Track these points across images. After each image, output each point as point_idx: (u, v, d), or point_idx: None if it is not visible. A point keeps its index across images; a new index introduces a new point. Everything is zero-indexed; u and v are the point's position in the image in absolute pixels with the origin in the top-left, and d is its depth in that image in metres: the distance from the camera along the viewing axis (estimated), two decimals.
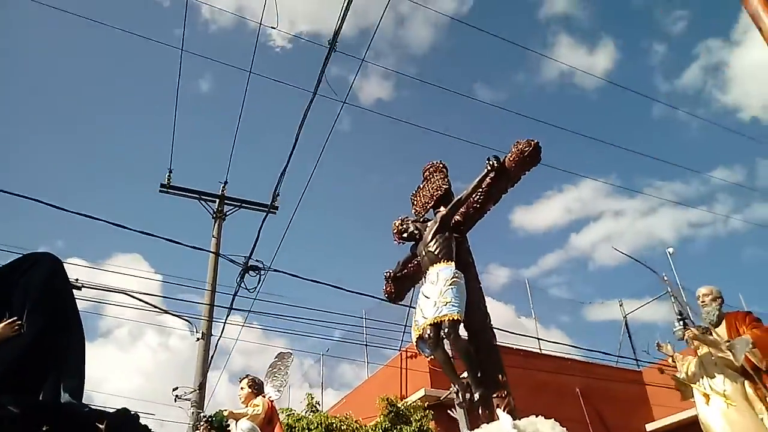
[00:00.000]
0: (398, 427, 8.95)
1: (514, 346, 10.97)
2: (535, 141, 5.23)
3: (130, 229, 7.90)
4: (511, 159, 5.28)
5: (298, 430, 8.75)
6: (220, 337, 10.51)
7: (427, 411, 9.06)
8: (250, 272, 10.06)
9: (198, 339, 10.25)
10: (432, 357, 5.38)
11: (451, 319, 4.93)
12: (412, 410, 9.30)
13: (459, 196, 5.57)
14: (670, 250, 14.18)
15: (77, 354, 2.83)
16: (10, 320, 2.71)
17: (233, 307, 9.99)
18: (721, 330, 5.96)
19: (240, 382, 5.37)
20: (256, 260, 10.11)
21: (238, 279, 10.13)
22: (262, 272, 10.09)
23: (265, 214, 10.21)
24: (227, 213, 12.23)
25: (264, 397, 5.06)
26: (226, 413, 5.06)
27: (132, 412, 2.63)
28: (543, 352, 12.65)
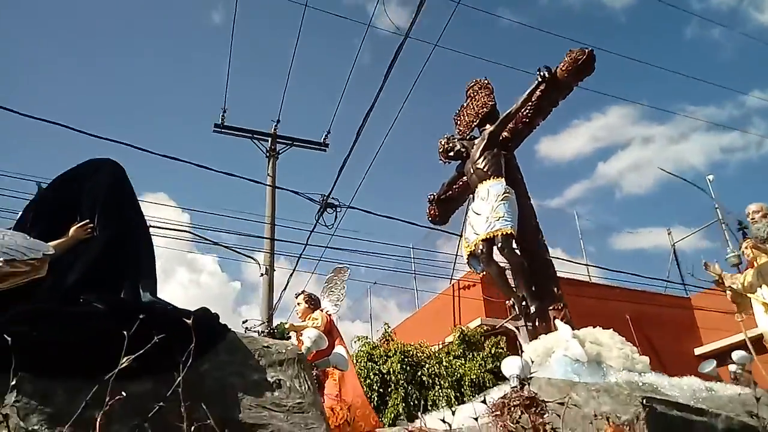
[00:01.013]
0: (471, 353, 9.08)
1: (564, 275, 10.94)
2: (590, 49, 4.99)
3: (190, 163, 7.85)
4: (563, 68, 5.06)
5: (377, 356, 8.91)
6: (292, 273, 10.79)
7: (499, 337, 9.10)
8: (328, 210, 10.26)
9: (262, 274, 10.46)
10: (484, 272, 5.34)
11: (504, 233, 4.85)
12: (481, 337, 9.39)
13: (508, 111, 5.39)
14: (710, 177, 13.75)
15: (148, 256, 2.81)
16: (82, 223, 2.69)
17: (308, 243, 10.14)
18: None
19: (296, 297, 5.41)
20: (334, 198, 10.29)
21: (317, 216, 10.32)
22: (339, 209, 10.28)
23: (346, 155, 9.93)
24: (280, 151, 12.24)
25: (321, 311, 5.10)
26: (287, 326, 5.14)
27: (212, 311, 2.62)
28: (592, 280, 12.64)
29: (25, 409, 1.94)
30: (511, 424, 3.09)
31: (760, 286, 5.60)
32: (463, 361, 8.91)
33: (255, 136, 12.31)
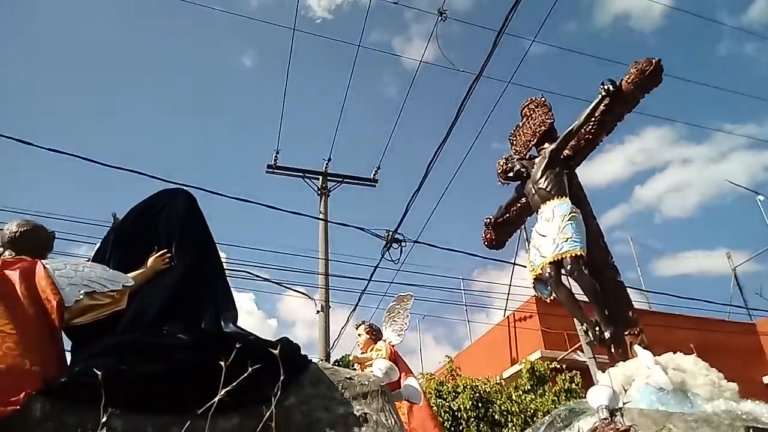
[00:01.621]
0: (543, 387, 8.78)
1: None
2: (657, 59, 4.80)
3: (251, 202, 8.06)
4: (629, 81, 4.87)
5: (444, 393, 8.67)
6: (354, 309, 10.84)
7: (574, 372, 8.81)
8: (394, 245, 10.41)
9: (318, 311, 10.48)
10: (551, 298, 5.12)
11: (573, 255, 4.64)
12: (551, 372, 9.07)
13: (570, 128, 5.21)
14: (761, 197, 13.23)
15: (224, 286, 2.74)
16: (159, 253, 2.64)
17: (371, 279, 10.29)
18: None
19: (357, 329, 5.27)
20: (399, 233, 10.44)
21: (383, 251, 10.50)
22: (403, 244, 10.43)
23: (414, 191, 10.00)
24: (331, 189, 12.55)
25: (384, 341, 4.95)
26: (351, 358, 5.01)
27: (294, 342, 2.52)
28: (651, 308, 12.18)
29: None
30: None
31: None
32: (533, 396, 8.59)
33: (306, 175, 12.67)
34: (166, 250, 2.63)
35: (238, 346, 2.22)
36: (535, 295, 10.81)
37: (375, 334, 5.12)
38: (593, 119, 5.13)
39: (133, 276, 2.51)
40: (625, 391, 4.10)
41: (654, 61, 4.81)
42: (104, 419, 1.74)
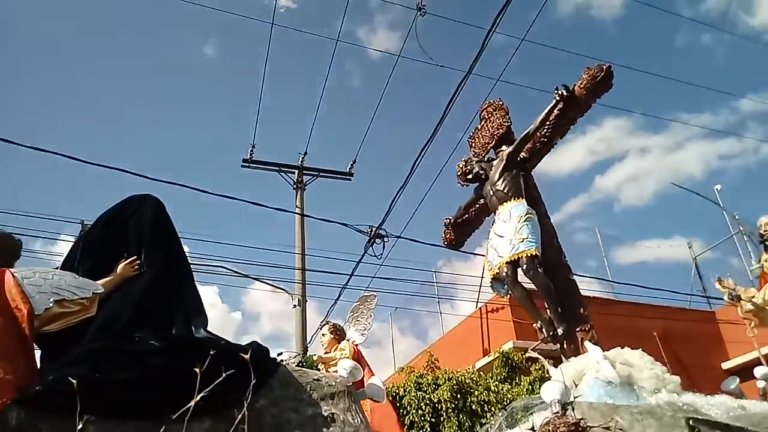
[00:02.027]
0: (517, 378, 9.03)
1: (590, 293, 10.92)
2: (608, 65, 5.03)
3: (230, 198, 8.03)
4: (581, 86, 5.09)
5: (424, 386, 8.83)
6: (334, 303, 10.86)
7: (548, 360, 9.06)
8: (377, 240, 10.63)
9: (294, 306, 10.52)
10: (508, 296, 5.32)
11: (529, 255, 4.85)
12: (526, 361, 9.30)
13: (525, 132, 5.41)
14: (718, 187, 13.85)
15: (193, 291, 2.79)
16: (129, 260, 2.68)
17: (353, 273, 10.44)
18: None
19: (321, 329, 5.35)
20: (382, 229, 10.61)
21: (367, 246, 10.70)
22: (386, 239, 10.68)
23: (399, 188, 9.93)
24: (306, 183, 12.59)
25: (348, 341, 5.05)
26: (315, 358, 5.09)
27: (263, 345, 2.60)
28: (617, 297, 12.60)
29: None
30: None
31: None
32: (509, 386, 8.83)
33: (282, 168, 12.68)
34: (135, 257, 2.67)
35: (211, 351, 2.30)
36: None
37: (339, 334, 5.22)
38: (548, 123, 5.34)
39: (103, 283, 2.54)
40: (576, 385, 4.32)
41: (605, 67, 5.04)
42: (80, 426, 1.80)
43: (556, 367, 4.74)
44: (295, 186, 12.48)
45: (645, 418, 3.22)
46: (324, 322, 5.41)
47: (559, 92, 5.16)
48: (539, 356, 4.97)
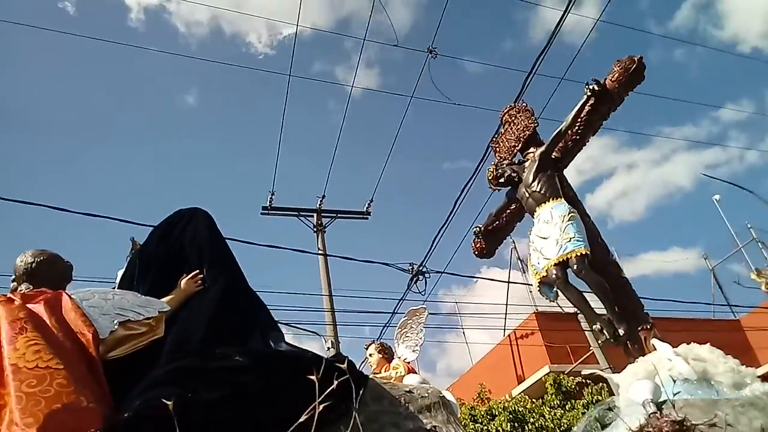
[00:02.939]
0: (570, 402, 8.80)
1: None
2: (639, 56, 4.90)
3: (255, 244, 7.92)
4: (613, 79, 4.95)
5: (479, 417, 8.57)
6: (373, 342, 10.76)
7: (600, 385, 8.87)
8: (419, 277, 10.67)
9: (328, 348, 10.32)
10: (556, 300, 5.08)
11: (579, 254, 4.63)
12: (576, 386, 9.10)
13: (558, 130, 5.25)
14: (717, 197, 13.78)
15: (261, 303, 2.55)
16: (192, 275, 2.44)
17: (395, 311, 10.51)
18: None
19: (367, 349, 5.05)
20: (423, 266, 10.72)
21: (410, 283, 10.77)
22: (428, 276, 10.70)
23: (442, 226, 9.95)
24: (325, 226, 12.62)
25: (400, 358, 4.76)
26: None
27: (348, 357, 2.35)
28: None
29: None
30: None
31: None
32: (564, 411, 8.59)
33: (301, 213, 12.77)
34: (198, 271, 2.43)
35: (304, 364, 2.06)
36: (535, 312, 10.94)
37: (387, 353, 4.93)
38: (579, 120, 5.19)
39: (167, 301, 2.30)
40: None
41: (636, 58, 4.91)
42: None
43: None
44: (315, 229, 12.56)
45: (748, 410, 2.98)
46: (370, 342, 5.12)
47: (590, 87, 5.01)
48: (600, 372, 4.71)
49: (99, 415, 1.64)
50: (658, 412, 3.02)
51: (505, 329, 11.81)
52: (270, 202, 12.57)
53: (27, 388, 1.66)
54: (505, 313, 11.36)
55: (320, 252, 11.64)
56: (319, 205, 12.79)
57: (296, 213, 12.77)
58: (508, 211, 5.94)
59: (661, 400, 3.16)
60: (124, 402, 1.78)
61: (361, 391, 2.23)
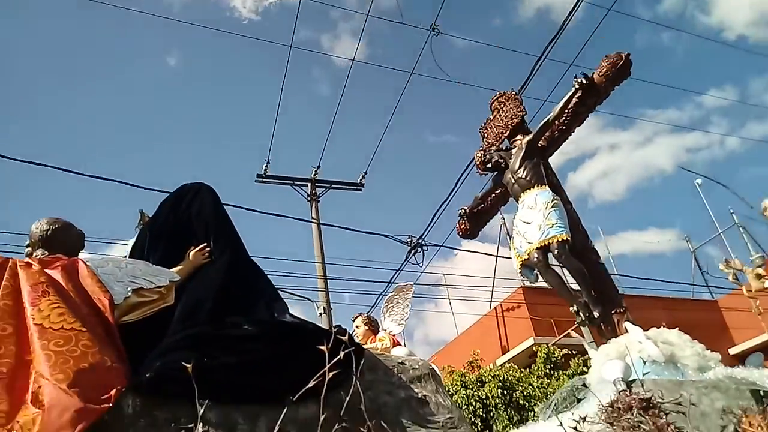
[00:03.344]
0: (556, 372, 9.21)
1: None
2: (627, 53, 5.07)
3: (244, 208, 8.02)
4: (601, 74, 5.11)
5: (469, 383, 8.98)
6: (370, 310, 11.15)
7: (586, 356, 9.25)
8: (418, 249, 11.31)
9: (320, 314, 10.53)
10: (536, 282, 5.30)
11: (560, 240, 4.83)
12: (563, 357, 9.50)
13: (545, 119, 5.42)
14: (699, 181, 14.12)
15: (264, 277, 2.69)
16: (200, 247, 2.56)
17: (392, 281, 10.92)
18: None
19: (353, 321, 5.23)
20: (421, 239, 11.26)
21: (408, 255, 11.37)
22: (425, 248, 11.37)
23: (443, 201, 10.43)
24: (319, 195, 12.76)
25: (385, 331, 4.94)
26: None
27: (346, 329, 2.51)
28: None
29: None
30: (630, 428, 3.03)
31: None
32: (550, 380, 8.97)
33: (295, 182, 12.88)
34: (205, 244, 2.56)
35: (308, 335, 2.21)
36: (522, 286, 11.31)
37: (373, 326, 5.11)
38: (567, 111, 5.35)
39: (177, 271, 2.42)
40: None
41: (624, 55, 5.07)
42: (201, 412, 1.69)
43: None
44: (309, 198, 12.67)
45: (711, 392, 3.21)
46: (357, 315, 5.29)
47: (579, 80, 5.17)
48: (583, 341, 4.95)
49: (122, 374, 1.78)
50: (628, 390, 3.24)
51: (491, 301, 12.23)
52: (265, 170, 12.64)
53: (55, 347, 1.79)
54: (492, 287, 11.75)
55: (316, 221, 11.81)
56: (314, 174, 12.91)
57: (291, 182, 12.87)
58: (493, 195, 6.12)
59: (630, 379, 3.38)
60: (141, 364, 1.91)
61: (361, 362, 2.39)
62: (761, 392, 3.16)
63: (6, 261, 2.22)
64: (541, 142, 5.58)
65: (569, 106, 5.34)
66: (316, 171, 12.86)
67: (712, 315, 13.57)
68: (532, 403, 8.71)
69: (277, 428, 1.73)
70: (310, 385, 1.87)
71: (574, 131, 5.60)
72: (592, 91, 5.21)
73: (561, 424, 2.44)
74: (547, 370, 9.32)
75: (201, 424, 1.82)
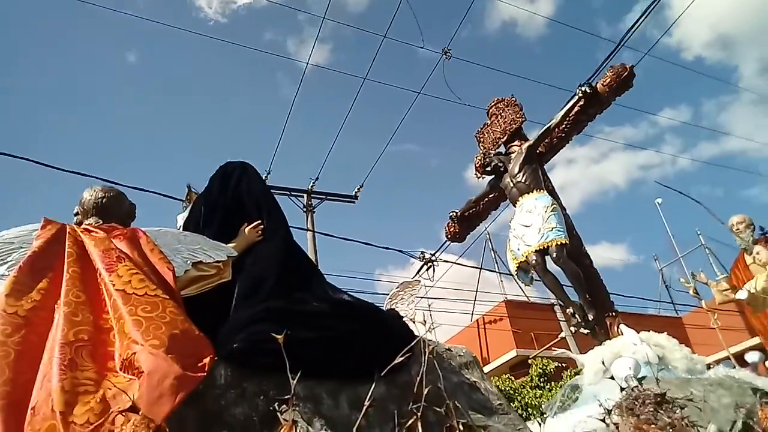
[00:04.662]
0: (550, 383, 9.33)
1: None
2: (631, 65, 5.27)
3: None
4: (605, 84, 5.30)
5: None
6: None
7: (580, 369, 9.39)
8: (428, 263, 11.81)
9: None
10: (530, 284, 5.42)
11: (558, 243, 4.97)
12: (554, 369, 9.66)
13: (546, 126, 5.57)
14: (659, 200, 14.69)
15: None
16: (254, 224, 2.53)
17: None
18: None
19: None
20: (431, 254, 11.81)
21: (420, 270, 11.87)
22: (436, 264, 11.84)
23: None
24: (314, 207, 12.87)
25: None
26: None
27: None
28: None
29: (305, 413, 1.79)
30: (646, 422, 3.15)
31: None
32: (543, 392, 9.13)
33: (292, 193, 12.98)
34: (259, 221, 2.52)
35: (374, 314, 2.22)
36: (504, 300, 11.53)
37: None
38: (568, 119, 5.51)
39: (233, 246, 2.39)
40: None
41: (628, 66, 5.27)
42: (294, 383, 1.69)
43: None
44: (305, 209, 12.80)
45: (717, 389, 3.37)
46: None
47: (583, 89, 5.33)
48: (568, 352, 5.10)
49: (209, 344, 1.74)
50: (640, 386, 3.36)
51: (473, 314, 12.40)
52: (266, 179, 12.52)
53: (143, 313, 1.74)
54: (474, 299, 11.94)
55: (311, 230, 11.87)
56: (311, 186, 13.07)
57: (287, 193, 12.98)
58: (487, 199, 6.24)
59: (640, 376, 3.51)
60: (218, 336, 1.88)
61: (431, 346, 2.41)
62: (761, 393, 3.33)
63: (63, 226, 2.14)
64: (540, 148, 5.73)
65: (571, 114, 5.50)
66: (314, 183, 13.06)
67: (676, 331, 14.18)
68: (530, 413, 8.90)
69: (367, 403, 1.73)
70: (398, 360, 1.89)
71: (572, 138, 5.77)
72: (595, 100, 5.39)
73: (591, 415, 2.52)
74: (542, 382, 9.55)
75: (292, 396, 1.82)
